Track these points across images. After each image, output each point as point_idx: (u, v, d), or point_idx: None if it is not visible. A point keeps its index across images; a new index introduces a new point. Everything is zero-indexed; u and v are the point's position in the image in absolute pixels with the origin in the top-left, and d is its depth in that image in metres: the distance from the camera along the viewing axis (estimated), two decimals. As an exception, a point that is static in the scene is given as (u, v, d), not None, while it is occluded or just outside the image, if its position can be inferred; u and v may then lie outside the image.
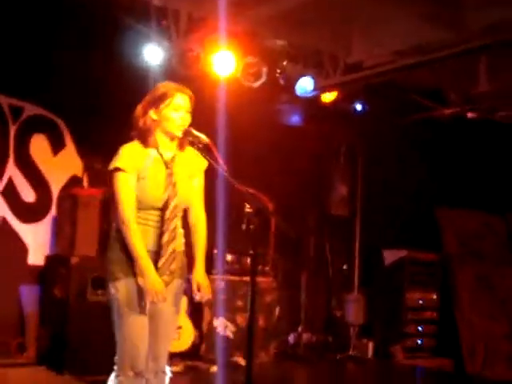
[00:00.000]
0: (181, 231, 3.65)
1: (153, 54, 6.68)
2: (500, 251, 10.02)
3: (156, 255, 3.49)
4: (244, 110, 7.39)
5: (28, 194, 6.85)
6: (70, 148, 7.08)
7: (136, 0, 6.31)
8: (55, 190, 6.96)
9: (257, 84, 7.13)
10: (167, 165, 3.55)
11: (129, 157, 3.49)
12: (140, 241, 3.42)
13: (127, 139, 3.62)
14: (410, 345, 8.73)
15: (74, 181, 7.05)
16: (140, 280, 3.40)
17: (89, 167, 7.08)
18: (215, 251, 7.28)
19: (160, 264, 3.47)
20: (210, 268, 7.30)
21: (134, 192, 3.47)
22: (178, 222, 3.59)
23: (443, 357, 8.87)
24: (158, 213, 3.51)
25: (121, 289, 3.44)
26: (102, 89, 6.89)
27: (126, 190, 3.46)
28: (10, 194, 6.72)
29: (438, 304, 9.09)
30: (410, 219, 9.14)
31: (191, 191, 3.65)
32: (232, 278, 7.35)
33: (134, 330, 3.44)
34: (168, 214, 3.50)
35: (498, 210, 10.05)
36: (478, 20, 5.59)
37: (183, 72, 6.61)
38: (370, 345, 8.53)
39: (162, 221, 3.51)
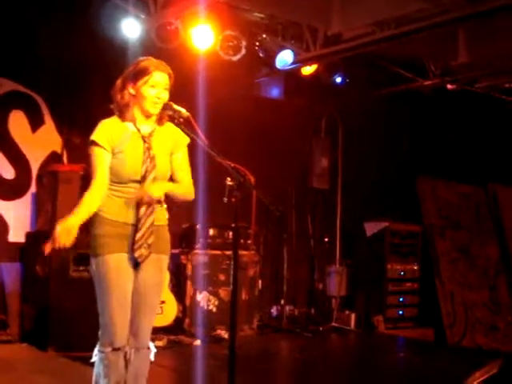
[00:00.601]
0: (163, 206, 3.64)
1: (131, 28, 6.60)
2: (479, 221, 10.12)
3: (135, 228, 3.48)
4: (223, 84, 7.37)
5: (7, 171, 6.80)
6: (49, 124, 7.02)
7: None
8: (35, 167, 6.92)
9: (236, 57, 7.08)
10: (144, 139, 3.54)
11: (104, 131, 3.50)
12: (89, 201, 3.41)
13: (107, 114, 3.62)
14: (392, 315, 8.82)
15: (54, 157, 7.01)
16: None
17: (68, 143, 7.03)
18: (197, 226, 7.30)
19: (137, 237, 3.46)
20: (192, 243, 7.32)
21: (106, 166, 3.47)
22: (157, 196, 3.57)
23: (425, 327, 8.98)
24: (137, 186, 3.50)
25: (102, 264, 3.43)
26: (80, 64, 6.83)
27: (98, 163, 3.47)
28: (-11, 171, 6.68)
29: (419, 274, 9.17)
30: (392, 191, 9.19)
31: (171, 165, 3.63)
32: (214, 252, 7.37)
33: (112, 306, 3.44)
34: (146, 186, 3.49)
35: (478, 181, 10.13)
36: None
37: (162, 46, 6.56)
38: (353, 316, 8.59)
39: None
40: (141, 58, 3.59)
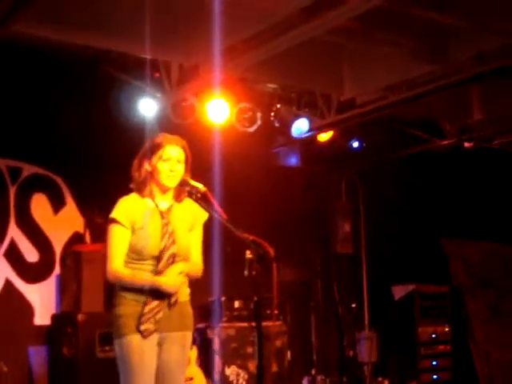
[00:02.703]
0: (185, 281, 3.63)
1: (148, 106, 6.71)
2: (508, 278, 9.96)
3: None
4: (241, 156, 7.43)
5: (31, 254, 6.83)
6: (71, 205, 7.08)
7: (128, 56, 6.37)
8: (58, 248, 6.95)
9: (252, 129, 7.17)
10: (163, 215, 3.57)
11: (124, 208, 3.54)
12: (134, 273, 3.47)
13: (127, 192, 3.67)
14: (426, 380, 8.60)
15: (76, 237, 7.05)
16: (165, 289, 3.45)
17: (90, 223, 7.08)
18: (222, 299, 7.24)
19: (145, 310, 3.46)
20: (217, 316, 7.25)
21: (125, 243, 3.50)
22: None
23: (460, 389, 8.77)
24: (154, 262, 3.51)
25: (125, 345, 3.41)
26: (99, 144, 6.92)
27: (116, 241, 3.52)
28: (13, 255, 6.70)
29: (451, 336, 8.98)
30: (416, 252, 9.09)
31: (191, 241, 3.64)
32: (241, 324, 7.28)
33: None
34: (162, 263, 3.49)
35: (503, 238, 10.01)
36: (461, 51, 5.64)
37: (178, 122, 6.66)
38: (386, 383, 8.41)
39: (156, 271, 3.49)
40: (153, 136, 3.67)
